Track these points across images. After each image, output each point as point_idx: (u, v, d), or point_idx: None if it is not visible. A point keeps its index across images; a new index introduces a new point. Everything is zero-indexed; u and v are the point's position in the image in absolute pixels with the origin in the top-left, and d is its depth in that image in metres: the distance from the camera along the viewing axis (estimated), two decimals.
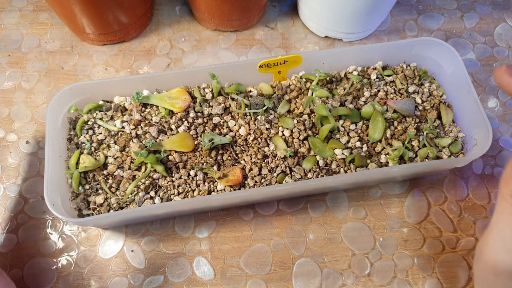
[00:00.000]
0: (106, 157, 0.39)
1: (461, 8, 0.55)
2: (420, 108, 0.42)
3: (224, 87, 0.42)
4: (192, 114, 0.41)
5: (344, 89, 0.43)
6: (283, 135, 0.40)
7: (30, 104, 0.46)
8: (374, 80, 0.44)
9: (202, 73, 0.41)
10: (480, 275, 0.29)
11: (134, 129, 0.40)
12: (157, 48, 0.51)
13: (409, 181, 0.43)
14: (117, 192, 0.37)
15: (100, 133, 0.40)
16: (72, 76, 0.48)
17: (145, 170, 0.38)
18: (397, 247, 0.40)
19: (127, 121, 0.40)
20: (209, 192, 0.38)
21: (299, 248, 0.40)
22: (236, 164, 0.39)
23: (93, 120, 0.40)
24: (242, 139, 0.40)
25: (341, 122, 0.41)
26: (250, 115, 0.41)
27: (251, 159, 0.39)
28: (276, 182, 0.38)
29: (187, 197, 0.37)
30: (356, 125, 0.41)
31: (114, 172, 0.38)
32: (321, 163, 0.39)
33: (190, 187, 0.38)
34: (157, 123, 0.40)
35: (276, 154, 0.39)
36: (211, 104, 0.42)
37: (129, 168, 0.38)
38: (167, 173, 0.38)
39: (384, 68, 0.45)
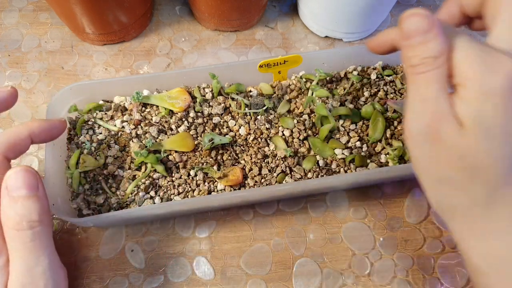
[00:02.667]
0: (106, 157, 0.39)
1: None
2: None
3: (224, 87, 0.42)
4: (192, 114, 0.41)
5: (344, 89, 0.43)
6: (283, 135, 0.40)
7: (30, 104, 0.46)
8: (374, 80, 0.44)
9: (202, 73, 0.41)
10: (412, 156, 0.25)
11: (134, 129, 0.40)
12: (157, 48, 0.51)
13: (409, 181, 0.43)
14: (117, 192, 0.37)
15: (100, 133, 0.40)
16: (72, 76, 0.48)
17: (145, 170, 0.38)
18: (397, 247, 0.40)
19: (127, 121, 0.40)
20: (209, 192, 0.38)
21: (299, 248, 0.40)
22: (236, 164, 0.39)
23: (93, 120, 0.40)
24: (242, 139, 0.40)
25: (341, 122, 0.41)
26: (250, 115, 0.41)
27: (251, 159, 0.39)
28: (276, 182, 0.38)
29: (187, 197, 0.37)
30: (356, 125, 0.41)
31: (114, 172, 0.38)
32: (321, 163, 0.39)
33: (190, 187, 0.38)
34: (157, 123, 0.40)
35: (276, 154, 0.39)
36: (211, 104, 0.42)
37: (129, 168, 0.38)
38: (167, 173, 0.38)
39: (384, 68, 0.45)
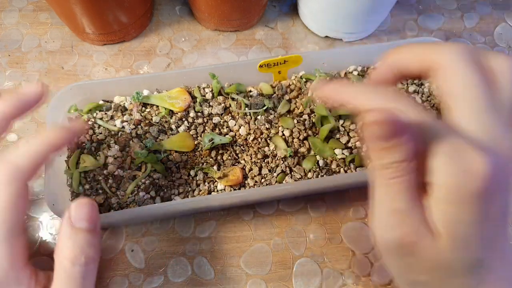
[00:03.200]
0: (106, 157, 0.39)
1: (461, 8, 0.55)
2: None
3: (224, 87, 0.42)
4: (192, 114, 0.41)
5: None
6: (283, 135, 0.40)
7: None
8: None
9: (202, 73, 0.41)
10: (383, 258, 0.25)
11: (134, 129, 0.40)
12: (157, 48, 0.51)
13: None
14: (117, 192, 0.37)
15: (100, 133, 0.40)
16: (72, 76, 0.48)
17: (145, 170, 0.38)
18: None
19: (127, 121, 0.40)
20: (209, 192, 0.38)
21: (299, 248, 0.40)
22: (236, 164, 0.39)
23: (93, 120, 0.40)
24: (242, 139, 0.40)
25: (341, 122, 0.41)
26: (250, 115, 0.41)
27: (251, 159, 0.39)
28: (276, 182, 0.38)
29: (187, 197, 0.37)
30: (356, 125, 0.41)
31: (114, 172, 0.38)
32: (321, 163, 0.39)
33: (190, 187, 0.38)
34: (157, 123, 0.40)
35: (276, 154, 0.39)
36: (211, 104, 0.42)
37: (129, 168, 0.38)
38: (167, 173, 0.38)
39: None
